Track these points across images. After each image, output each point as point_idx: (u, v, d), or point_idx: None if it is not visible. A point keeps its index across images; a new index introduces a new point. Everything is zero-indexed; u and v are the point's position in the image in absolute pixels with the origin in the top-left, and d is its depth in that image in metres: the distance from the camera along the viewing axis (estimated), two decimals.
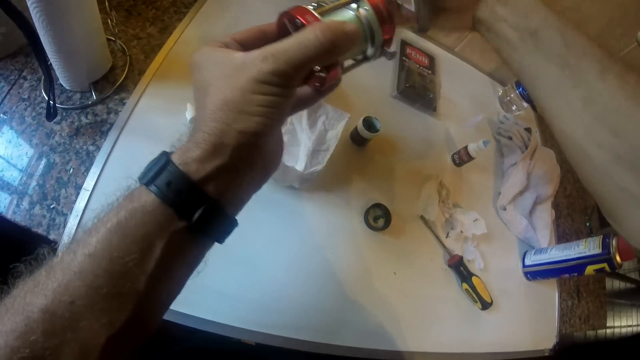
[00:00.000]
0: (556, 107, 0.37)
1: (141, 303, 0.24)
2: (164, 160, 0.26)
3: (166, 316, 0.54)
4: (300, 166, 0.66)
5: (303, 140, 0.69)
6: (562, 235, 0.95)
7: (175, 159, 0.26)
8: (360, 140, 0.76)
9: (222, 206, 0.27)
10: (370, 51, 0.33)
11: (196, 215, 0.25)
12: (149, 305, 0.25)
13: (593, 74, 0.34)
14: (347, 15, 0.31)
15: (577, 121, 0.35)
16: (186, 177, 0.25)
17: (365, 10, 0.31)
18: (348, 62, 0.35)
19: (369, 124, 0.74)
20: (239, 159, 0.26)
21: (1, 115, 0.63)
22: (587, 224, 1.02)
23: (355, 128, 0.75)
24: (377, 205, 0.73)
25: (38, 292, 0.23)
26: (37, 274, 0.24)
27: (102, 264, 0.23)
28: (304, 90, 0.34)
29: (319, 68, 0.30)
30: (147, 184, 0.25)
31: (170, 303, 0.28)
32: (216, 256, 0.61)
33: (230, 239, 0.67)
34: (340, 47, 0.27)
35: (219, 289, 0.58)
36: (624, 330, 1.85)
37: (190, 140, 0.26)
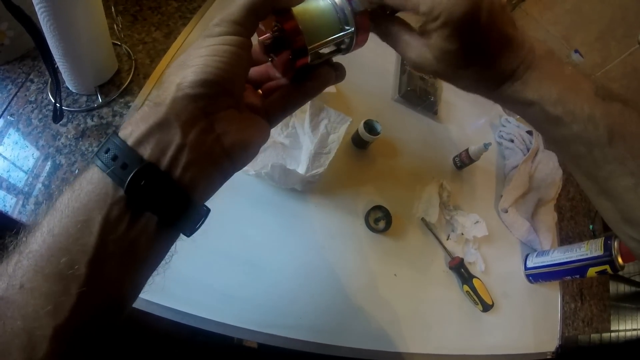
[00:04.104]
0: (590, 194, 0.34)
1: (87, 289, 0.22)
2: (112, 132, 0.24)
3: (169, 315, 0.55)
4: (302, 169, 0.67)
5: (305, 144, 0.70)
6: (565, 239, 0.95)
7: (119, 128, 0.24)
8: (361, 143, 0.77)
9: (161, 170, 0.23)
10: (344, 40, 0.32)
11: (129, 178, 0.22)
12: (98, 295, 0.23)
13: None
14: (323, 2, 0.31)
15: (605, 207, 0.33)
16: (122, 140, 0.23)
17: None
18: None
19: (369, 127, 0.75)
20: (174, 114, 0.24)
21: (8, 117, 0.64)
22: (591, 227, 1.02)
23: (357, 131, 0.76)
24: (378, 208, 0.73)
25: None
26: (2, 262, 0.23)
27: (47, 241, 0.22)
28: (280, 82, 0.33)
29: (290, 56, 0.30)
30: (93, 158, 0.24)
31: (129, 298, 0.25)
32: (219, 256, 0.62)
33: (233, 240, 0.68)
34: None
35: (221, 289, 0.59)
36: (628, 334, 1.83)
37: None
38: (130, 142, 0.23)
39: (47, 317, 0.21)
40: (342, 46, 0.33)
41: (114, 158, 0.23)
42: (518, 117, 1.02)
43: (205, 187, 0.26)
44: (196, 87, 0.24)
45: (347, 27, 0.31)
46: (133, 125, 0.24)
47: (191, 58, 0.25)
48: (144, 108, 0.24)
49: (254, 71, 0.33)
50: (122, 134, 0.24)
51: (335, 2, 0.30)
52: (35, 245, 0.22)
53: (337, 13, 0.31)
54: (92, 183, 0.23)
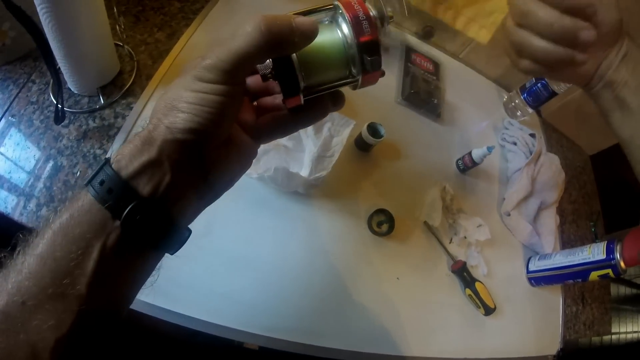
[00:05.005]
0: None
1: (86, 307, 0.24)
2: (104, 160, 0.26)
3: (170, 318, 0.55)
4: (305, 172, 0.66)
5: (308, 146, 0.70)
6: (567, 241, 0.95)
7: (112, 158, 0.26)
8: (364, 146, 0.77)
9: (156, 205, 0.26)
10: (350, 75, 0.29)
11: (125, 212, 0.24)
12: (95, 310, 0.25)
13: None
14: (334, 34, 0.28)
15: None
16: (116, 173, 0.25)
17: (346, 27, 0.27)
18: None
19: (373, 130, 0.74)
20: (166, 155, 0.25)
21: (10, 118, 0.64)
22: (593, 230, 1.02)
23: (360, 134, 0.76)
24: (381, 211, 0.73)
25: None
26: None
27: (48, 263, 0.24)
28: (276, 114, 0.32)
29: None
30: (86, 185, 0.25)
31: (122, 310, 0.28)
32: (221, 260, 0.62)
33: (236, 243, 0.68)
34: (286, 41, 0.25)
35: (223, 292, 0.59)
36: (629, 336, 1.83)
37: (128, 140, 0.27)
38: (124, 176, 0.25)
39: (49, 331, 0.23)
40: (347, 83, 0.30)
41: (109, 191, 0.24)
42: (521, 119, 1.02)
43: (190, 216, 0.29)
44: (185, 134, 0.25)
45: (354, 74, 0.28)
46: (126, 160, 0.25)
47: (180, 101, 0.25)
48: (135, 143, 0.25)
49: (253, 81, 0.32)
50: (116, 167, 0.25)
51: (347, 41, 0.27)
52: (35, 267, 0.24)
53: (347, 52, 0.28)
54: (91, 213, 0.25)
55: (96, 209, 0.24)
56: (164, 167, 0.25)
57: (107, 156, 0.27)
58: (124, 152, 0.25)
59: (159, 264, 0.29)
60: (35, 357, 0.23)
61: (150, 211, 0.25)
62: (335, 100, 0.31)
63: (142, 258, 0.27)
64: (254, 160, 0.33)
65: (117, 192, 0.24)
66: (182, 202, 0.27)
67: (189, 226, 0.30)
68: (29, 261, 0.24)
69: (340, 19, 0.28)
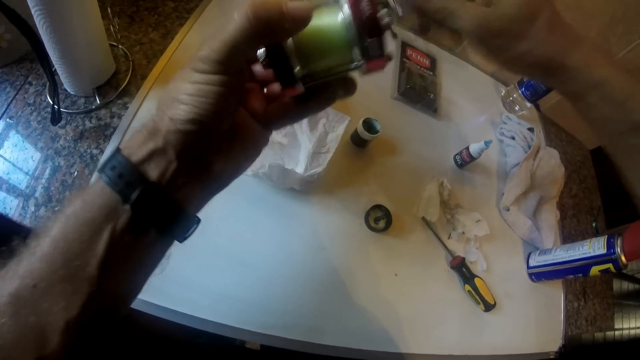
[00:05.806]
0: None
1: (96, 289, 0.25)
2: (116, 148, 0.27)
3: (169, 316, 0.55)
4: (300, 169, 0.66)
5: (303, 143, 0.70)
6: (568, 236, 0.94)
7: (121, 146, 0.27)
8: (360, 142, 0.77)
9: (163, 191, 0.26)
10: (353, 63, 0.28)
11: (134, 195, 0.25)
12: (104, 293, 0.26)
13: None
14: (333, 17, 0.26)
15: None
16: (126, 159, 0.26)
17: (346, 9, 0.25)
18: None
19: (369, 125, 0.74)
20: (171, 145, 0.26)
21: (7, 119, 0.64)
22: (594, 225, 1.01)
23: (356, 130, 0.76)
24: (378, 207, 0.73)
25: (8, 277, 0.24)
26: (10, 262, 0.26)
27: (60, 246, 0.25)
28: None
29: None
30: (99, 172, 0.26)
31: (130, 296, 0.29)
32: (218, 258, 0.62)
33: (232, 241, 0.68)
34: (276, 28, 0.24)
35: (221, 291, 0.59)
36: (632, 332, 1.82)
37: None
38: (133, 160, 0.26)
39: (59, 312, 0.24)
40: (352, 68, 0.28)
41: (120, 175, 0.25)
42: (520, 113, 1.01)
43: (197, 203, 0.30)
44: (187, 124, 0.26)
45: (358, 58, 0.27)
46: (135, 147, 0.26)
47: (180, 93, 0.26)
48: (143, 133, 0.27)
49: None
50: (126, 153, 0.26)
51: (346, 23, 0.25)
52: (48, 249, 0.25)
53: (348, 36, 0.26)
54: (102, 197, 0.26)
55: (108, 193, 0.25)
56: (169, 155, 0.26)
57: (117, 145, 0.27)
58: (131, 142, 0.27)
59: (168, 253, 0.30)
60: (46, 339, 0.23)
61: (158, 195, 0.26)
62: (345, 87, 0.30)
63: (151, 242, 0.28)
64: None
65: (127, 177, 0.25)
66: (188, 190, 0.28)
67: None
68: (41, 244, 0.25)
69: (341, 0, 0.26)
